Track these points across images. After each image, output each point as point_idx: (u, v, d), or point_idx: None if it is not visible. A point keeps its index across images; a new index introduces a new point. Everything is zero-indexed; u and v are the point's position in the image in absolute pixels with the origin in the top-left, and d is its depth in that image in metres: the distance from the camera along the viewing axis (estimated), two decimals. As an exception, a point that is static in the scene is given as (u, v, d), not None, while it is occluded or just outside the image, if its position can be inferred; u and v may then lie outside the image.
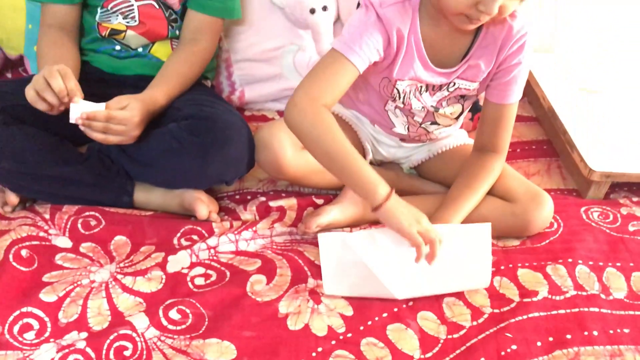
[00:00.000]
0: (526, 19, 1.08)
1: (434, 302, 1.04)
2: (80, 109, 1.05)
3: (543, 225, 1.18)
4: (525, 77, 1.14)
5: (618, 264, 1.13)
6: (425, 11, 1.06)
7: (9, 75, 1.56)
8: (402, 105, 1.17)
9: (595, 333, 0.99)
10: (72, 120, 1.06)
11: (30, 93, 1.05)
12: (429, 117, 1.20)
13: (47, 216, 1.15)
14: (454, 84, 1.13)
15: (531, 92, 1.59)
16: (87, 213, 1.16)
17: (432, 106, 1.17)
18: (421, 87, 1.13)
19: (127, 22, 1.28)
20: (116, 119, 1.08)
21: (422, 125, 1.22)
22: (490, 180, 1.16)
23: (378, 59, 1.06)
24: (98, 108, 1.07)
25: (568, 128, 1.38)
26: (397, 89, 1.13)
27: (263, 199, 1.25)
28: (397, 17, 1.04)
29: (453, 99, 1.17)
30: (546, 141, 1.51)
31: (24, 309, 0.98)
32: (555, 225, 1.20)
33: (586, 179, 1.30)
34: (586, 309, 1.03)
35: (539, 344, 0.98)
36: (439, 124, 1.22)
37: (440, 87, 1.14)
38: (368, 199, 0.99)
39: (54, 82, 1.03)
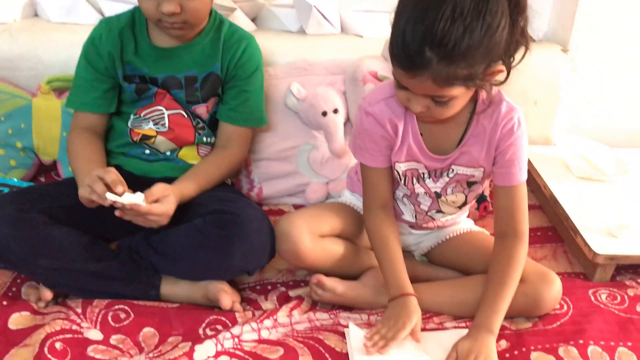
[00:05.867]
0: (514, 105, 1.15)
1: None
2: (122, 200, 1.14)
3: (553, 303, 1.21)
4: (525, 157, 1.18)
5: (629, 344, 1.16)
6: None
7: (42, 179, 1.65)
8: (408, 193, 1.25)
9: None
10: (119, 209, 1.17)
11: (84, 199, 1.17)
12: (434, 205, 1.28)
13: (79, 310, 1.20)
14: (452, 169, 1.21)
15: (532, 182, 1.67)
16: (116, 306, 1.21)
17: (435, 192, 1.25)
18: (423, 173, 1.22)
19: (158, 128, 1.38)
20: (154, 213, 1.17)
21: (429, 214, 1.30)
22: (519, 270, 1.16)
23: (391, 148, 1.19)
24: (137, 200, 1.16)
25: (570, 214, 1.45)
26: (397, 171, 1.22)
27: (283, 289, 1.31)
28: (386, 111, 1.16)
29: (457, 188, 1.25)
30: (551, 227, 1.57)
31: (57, 400, 1.01)
32: (565, 307, 1.24)
33: (591, 262, 1.35)
34: (601, 389, 1.05)
35: None
36: (444, 212, 1.30)
37: (441, 174, 1.22)
38: (389, 290, 1.18)
39: (97, 187, 1.13)
